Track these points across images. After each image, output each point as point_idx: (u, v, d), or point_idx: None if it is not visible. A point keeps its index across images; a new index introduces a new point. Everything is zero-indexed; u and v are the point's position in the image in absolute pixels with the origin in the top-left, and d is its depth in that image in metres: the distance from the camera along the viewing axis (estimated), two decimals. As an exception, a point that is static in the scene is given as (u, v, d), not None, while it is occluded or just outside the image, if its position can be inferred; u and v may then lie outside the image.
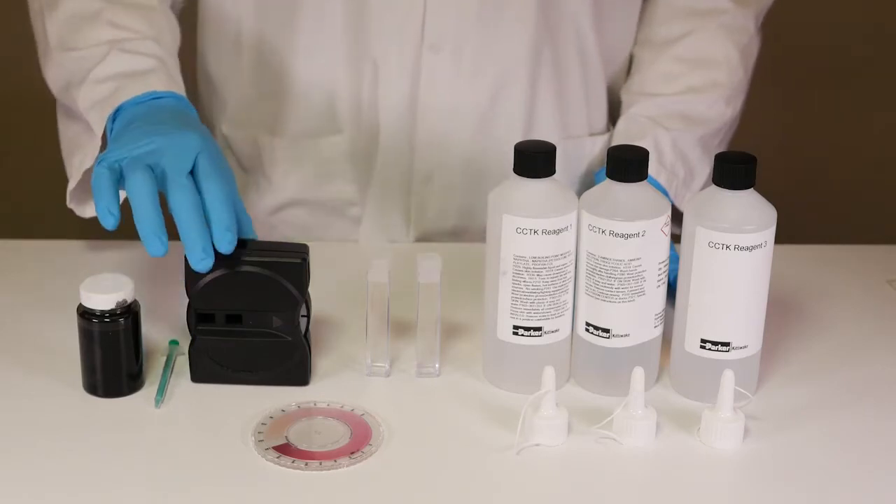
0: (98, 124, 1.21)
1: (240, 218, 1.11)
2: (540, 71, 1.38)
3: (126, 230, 1.62)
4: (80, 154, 1.26)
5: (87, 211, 1.29)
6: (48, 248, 1.37)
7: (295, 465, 1.01)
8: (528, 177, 1.07)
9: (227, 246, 1.06)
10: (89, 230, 1.56)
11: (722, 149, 1.42)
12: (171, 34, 1.32)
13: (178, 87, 1.25)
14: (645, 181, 1.07)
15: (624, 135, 1.38)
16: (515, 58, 1.37)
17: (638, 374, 1.04)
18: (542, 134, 1.39)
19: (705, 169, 1.39)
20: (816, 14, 2.33)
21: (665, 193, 1.32)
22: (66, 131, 1.32)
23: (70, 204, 1.29)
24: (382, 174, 1.41)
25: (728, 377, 1.04)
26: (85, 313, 1.08)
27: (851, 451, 1.05)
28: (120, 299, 1.08)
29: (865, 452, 1.05)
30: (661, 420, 1.06)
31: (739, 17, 1.42)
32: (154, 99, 1.21)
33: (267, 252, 1.09)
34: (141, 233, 1.05)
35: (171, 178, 1.07)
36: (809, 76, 2.40)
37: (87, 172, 1.24)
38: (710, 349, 1.09)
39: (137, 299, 1.10)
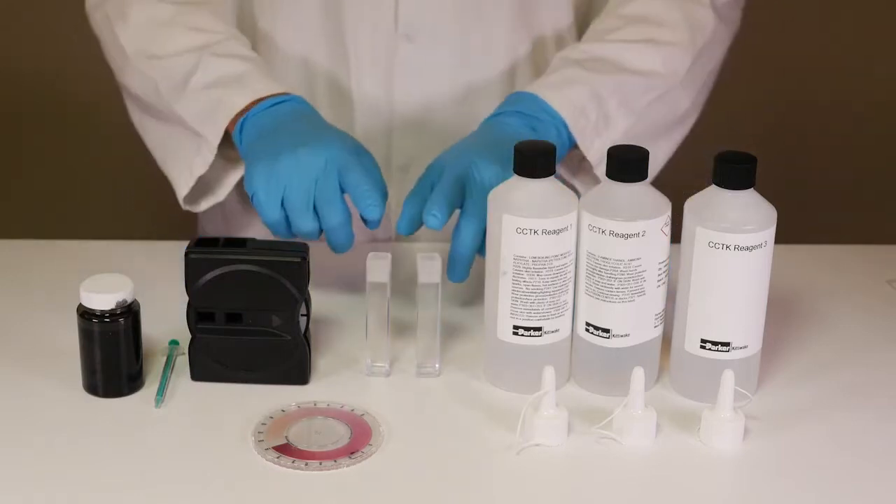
0: (214, 135, 1.27)
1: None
2: (518, 62, 1.38)
3: (126, 229, 1.62)
4: (185, 159, 1.30)
5: (200, 206, 1.34)
6: (48, 248, 1.37)
7: (295, 465, 1.01)
8: (528, 177, 1.07)
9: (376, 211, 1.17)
10: (89, 230, 1.57)
11: (658, 116, 1.34)
12: (232, 17, 1.37)
13: (278, 84, 1.28)
14: (645, 181, 1.07)
15: (541, 77, 1.33)
16: (493, 48, 1.36)
17: (638, 374, 1.04)
18: None
19: (623, 120, 1.31)
20: (816, 16, 2.33)
21: (566, 134, 1.27)
22: (158, 133, 1.35)
23: (185, 206, 1.33)
24: None
25: (728, 377, 1.04)
26: (85, 313, 1.08)
27: (851, 451, 1.05)
28: (120, 299, 1.08)
29: (865, 452, 1.05)
30: (661, 420, 1.06)
31: None
32: (273, 106, 1.24)
33: (267, 251, 1.09)
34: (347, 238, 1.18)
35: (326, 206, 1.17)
36: (809, 76, 2.40)
37: (201, 178, 1.31)
38: (710, 349, 1.09)
39: (137, 299, 1.10)
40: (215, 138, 1.27)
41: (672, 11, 1.36)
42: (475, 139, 1.25)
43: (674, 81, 1.35)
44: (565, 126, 1.27)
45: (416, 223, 1.19)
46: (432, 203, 1.16)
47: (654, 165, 1.36)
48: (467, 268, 1.16)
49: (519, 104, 1.27)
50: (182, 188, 1.31)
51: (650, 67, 1.33)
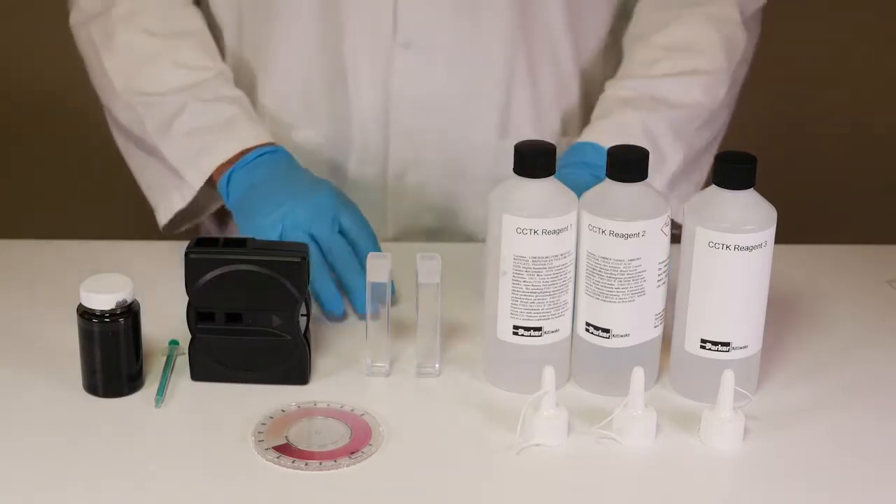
0: (196, 179, 1.32)
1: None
2: (514, 69, 1.38)
3: (126, 229, 1.62)
4: (165, 192, 1.37)
5: (180, 228, 1.41)
6: (48, 248, 1.37)
7: (295, 465, 1.01)
8: (528, 177, 1.07)
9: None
10: (89, 230, 1.57)
11: (703, 138, 1.40)
12: (215, 45, 1.40)
13: (264, 130, 1.33)
14: (645, 181, 1.07)
15: (594, 117, 1.37)
16: (489, 56, 1.37)
17: (638, 374, 1.04)
18: (517, 132, 1.39)
19: (677, 154, 1.35)
20: (817, 17, 2.33)
21: None
22: (140, 160, 1.40)
23: (164, 230, 1.40)
24: (357, 169, 1.41)
25: (728, 377, 1.04)
26: (85, 313, 1.08)
27: (851, 451, 1.05)
28: (120, 299, 1.08)
29: (865, 452, 1.05)
30: (661, 420, 1.06)
31: (725, 8, 1.40)
32: (258, 158, 1.30)
33: (267, 251, 1.09)
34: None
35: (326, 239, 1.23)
36: (810, 76, 2.40)
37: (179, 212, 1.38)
38: (710, 349, 1.09)
39: (137, 299, 1.10)
40: (197, 183, 1.32)
41: (709, 36, 1.39)
42: None
43: (715, 106, 1.40)
44: None
45: None
46: None
47: (701, 179, 1.41)
48: None
49: (581, 154, 1.30)
50: (161, 218, 1.38)
51: (695, 99, 1.38)
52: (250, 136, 1.31)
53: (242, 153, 1.30)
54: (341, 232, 1.24)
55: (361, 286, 1.18)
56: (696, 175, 1.40)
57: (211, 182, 1.33)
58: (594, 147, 1.31)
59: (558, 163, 1.30)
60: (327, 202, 1.24)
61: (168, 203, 1.36)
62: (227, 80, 1.37)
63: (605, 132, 1.33)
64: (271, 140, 1.33)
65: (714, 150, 1.43)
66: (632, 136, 1.31)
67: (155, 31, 1.36)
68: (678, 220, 1.35)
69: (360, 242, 1.24)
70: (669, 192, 1.34)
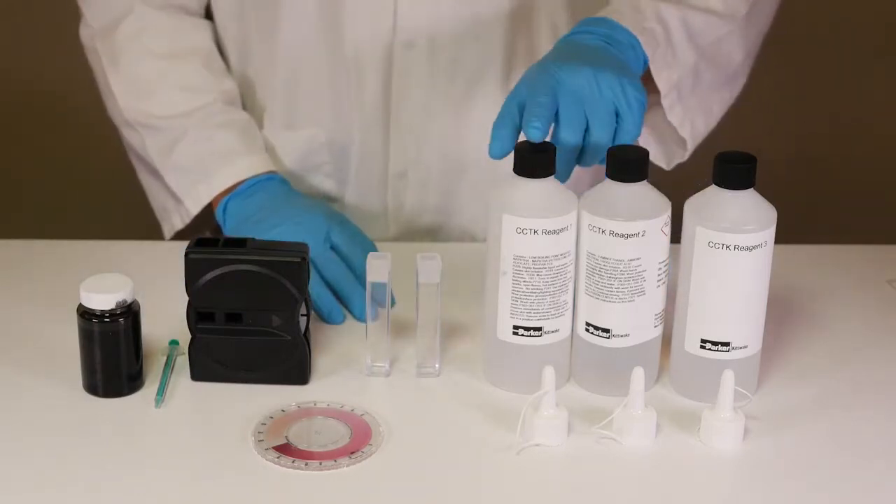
0: (194, 206, 1.37)
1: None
2: (515, 67, 1.38)
3: (126, 229, 1.62)
4: (165, 211, 1.42)
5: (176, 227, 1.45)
6: (48, 248, 1.37)
7: (295, 465, 1.01)
8: (528, 177, 1.07)
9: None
10: (89, 230, 1.57)
11: (716, 62, 1.33)
12: (223, 62, 1.42)
13: (261, 159, 1.36)
14: (645, 181, 1.07)
15: (612, 3, 1.31)
16: (490, 55, 1.37)
17: (638, 374, 1.04)
18: None
19: (688, 56, 1.29)
20: (816, 16, 2.33)
21: (640, 53, 1.24)
22: (146, 179, 1.45)
23: (168, 236, 1.44)
24: (359, 168, 1.42)
25: (728, 377, 1.04)
26: (85, 313, 1.08)
27: (851, 451, 1.05)
28: (120, 299, 1.08)
29: (865, 452, 1.05)
30: (661, 420, 1.06)
31: None
32: (254, 185, 1.34)
33: (267, 251, 1.09)
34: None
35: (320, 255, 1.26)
36: (811, 76, 2.40)
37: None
38: (710, 349, 1.09)
39: (137, 299, 1.10)
40: (195, 209, 1.37)
41: None
42: (555, 54, 1.21)
43: (733, 24, 1.33)
44: (640, 45, 1.24)
45: (509, 145, 1.13)
46: (530, 114, 1.10)
47: (710, 121, 1.34)
48: (568, 171, 1.13)
49: (595, 24, 1.24)
50: (165, 234, 1.43)
51: (713, 7, 1.31)
52: (248, 167, 1.35)
53: (239, 182, 1.34)
54: (336, 249, 1.26)
55: (359, 296, 1.19)
56: (705, 99, 1.33)
57: (211, 205, 1.36)
58: (607, 20, 1.24)
59: (570, 32, 1.25)
60: (318, 222, 1.27)
61: (169, 223, 1.41)
62: (231, 102, 1.39)
63: (620, 11, 1.27)
64: (269, 168, 1.36)
65: (727, 95, 1.37)
66: (646, 19, 1.25)
67: (160, 52, 1.37)
68: (682, 133, 1.30)
69: (354, 257, 1.25)
70: (676, 101, 1.28)
